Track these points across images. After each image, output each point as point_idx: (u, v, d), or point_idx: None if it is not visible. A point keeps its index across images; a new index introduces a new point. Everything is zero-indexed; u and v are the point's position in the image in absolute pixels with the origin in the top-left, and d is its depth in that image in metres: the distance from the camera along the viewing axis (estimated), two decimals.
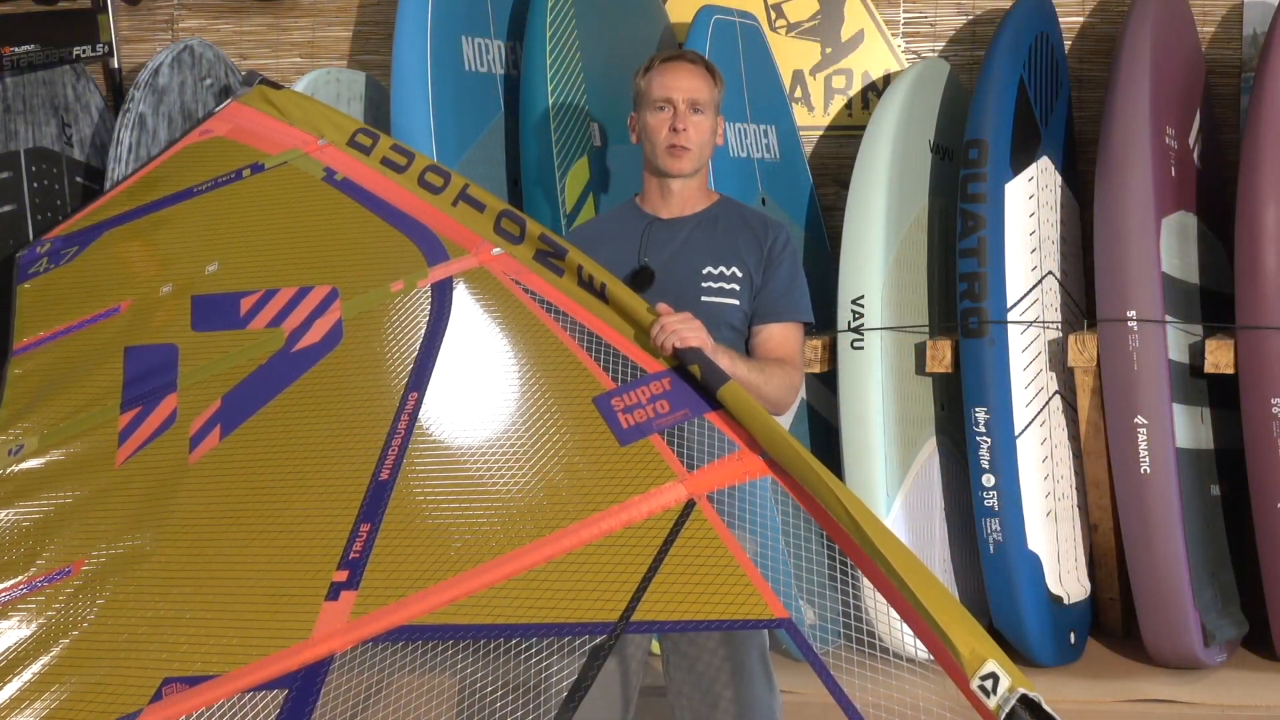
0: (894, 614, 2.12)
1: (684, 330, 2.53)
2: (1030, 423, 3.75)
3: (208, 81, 4.30)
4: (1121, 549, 3.78)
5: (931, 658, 2.05)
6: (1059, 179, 4.06)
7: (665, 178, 2.88)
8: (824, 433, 4.03)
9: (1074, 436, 3.92)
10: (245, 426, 2.69)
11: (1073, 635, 3.86)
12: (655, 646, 3.12)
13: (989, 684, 1.95)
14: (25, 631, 2.47)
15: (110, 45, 4.59)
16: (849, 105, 4.57)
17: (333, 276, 2.91)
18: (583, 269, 2.69)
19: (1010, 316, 3.75)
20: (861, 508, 2.19)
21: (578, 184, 3.78)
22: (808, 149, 4.50)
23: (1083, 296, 4.13)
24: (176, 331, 2.92)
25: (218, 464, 2.65)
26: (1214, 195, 4.13)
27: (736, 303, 2.81)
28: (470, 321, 2.75)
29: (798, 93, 4.56)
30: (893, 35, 4.54)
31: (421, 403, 2.61)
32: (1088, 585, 3.93)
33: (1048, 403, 3.83)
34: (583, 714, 2.18)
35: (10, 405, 2.90)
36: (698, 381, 2.49)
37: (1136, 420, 3.60)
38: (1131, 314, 3.61)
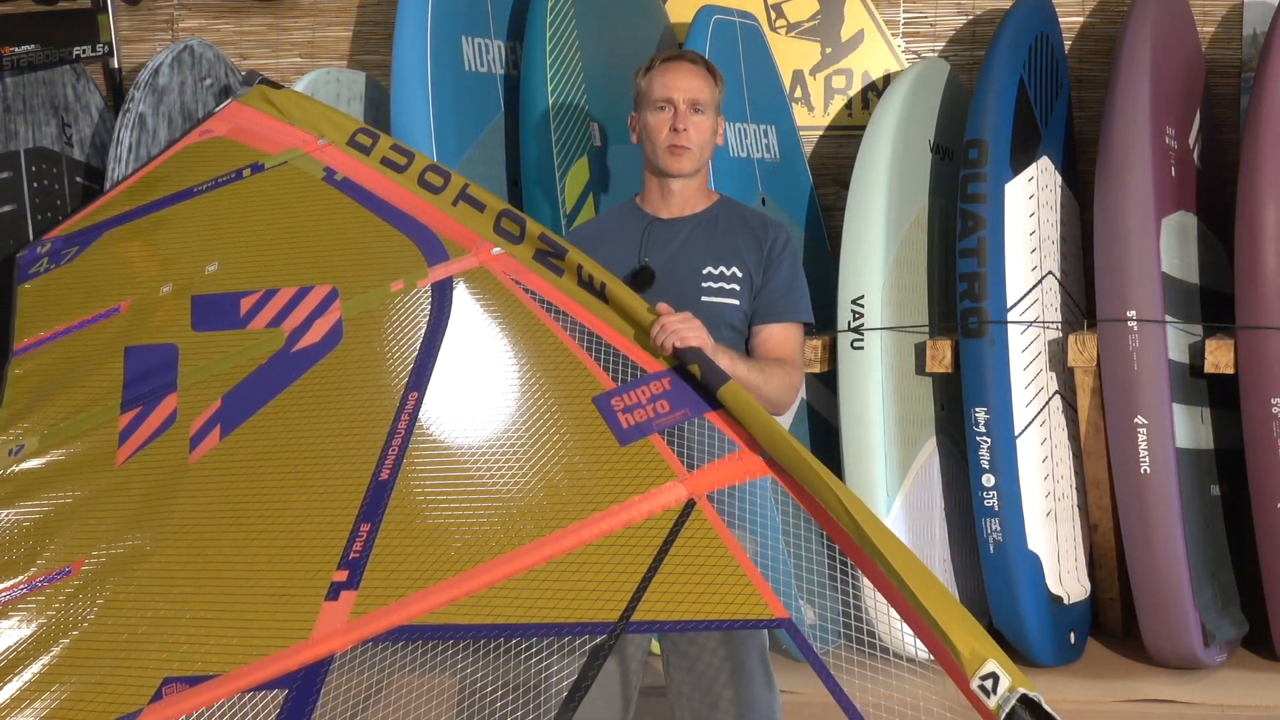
0: (894, 614, 2.12)
1: (684, 330, 2.53)
2: (1030, 423, 3.75)
3: (208, 81, 4.30)
4: (1121, 549, 3.78)
5: (931, 658, 2.05)
6: (1059, 179, 4.06)
7: (665, 177, 2.88)
8: (824, 433, 4.03)
9: (1074, 436, 3.92)
10: (245, 426, 2.69)
11: (1073, 635, 3.86)
12: (655, 646, 3.12)
13: (989, 684, 1.95)
14: (25, 631, 2.47)
15: (110, 45, 4.59)
16: (849, 105, 4.57)
17: (333, 276, 2.91)
18: (583, 269, 2.69)
19: (1010, 316, 3.75)
20: (861, 508, 2.19)
21: (578, 184, 3.78)
22: (808, 149, 4.50)
23: (1083, 296, 4.13)
24: (177, 331, 2.92)
25: (218, 464, 2.65)
26: (1214, 195, 4.13)
27: (736, 303, 2.81)
28: (470, 321, 2.75)
29: (798, 93, 4.56)
30: (893, 35, 4.54)
31: (422, 402, 2.61)
32: (1088, 585, 3.93)
33: (1048, 403, 3.83)
34: (583, 714, 2.18)
35: (10, 405, 2.90)
36: (698, 381, 2.49)
37: (1136, 420, 3.60)
38: (1131, 314, 3.61)
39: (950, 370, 3.85)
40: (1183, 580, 3.61)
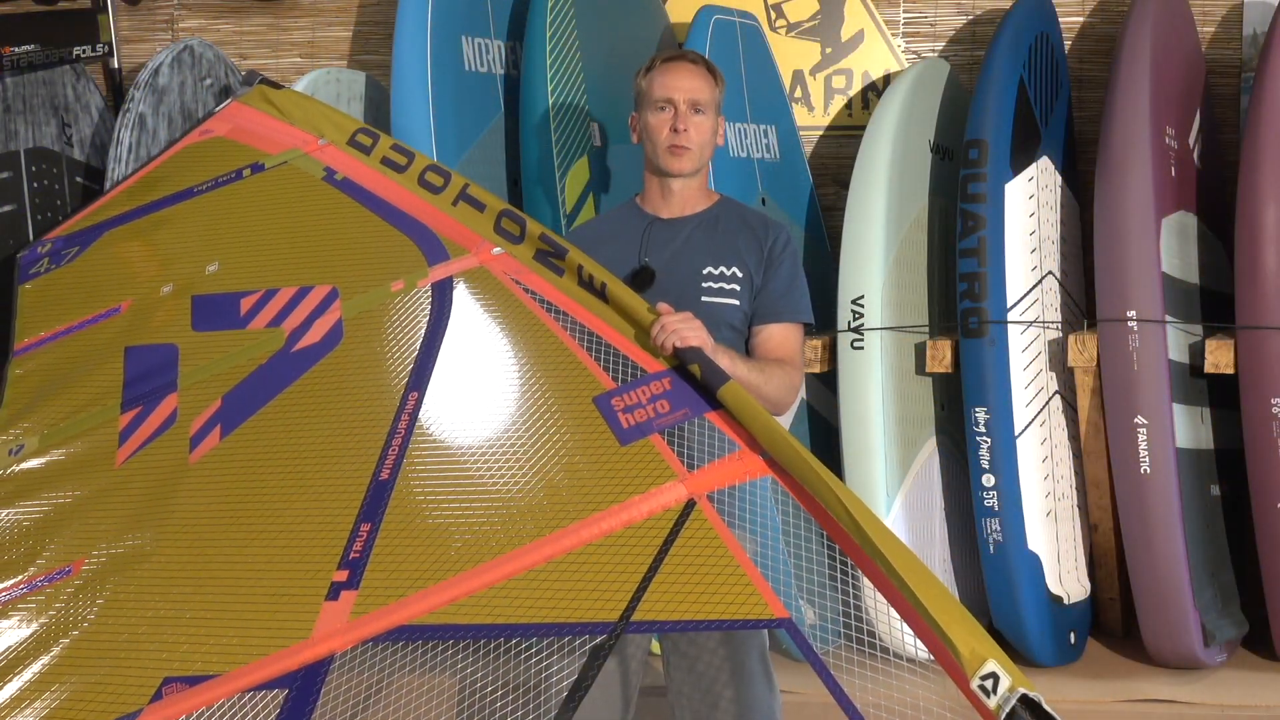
0: (894, 614, 2.12)
1: (684, 330, 2.53)
2: (1030, 423, 3.75)
3: (208, 81, 4.30)
4: (1121, 549, 3.78)
5: (931, 658, 2.05)
6: (1059, 179, 4.06)
7: (666, 177, 2.89)
8: (824, 433, 4.03)
9: (1074, 436, 3.92)
10: (245, 426, 2.69)
11: (1073, 635, 3.86)
12: (655, 646, 3.12)
13: (989, 684, 1.95)
14: (25, 631, 2.47)
15: (110, 45, 4.59)
16: (849, 105, 4.57)
17: (333, 276, 2.91)
18: (583, 269, 2.69)
19: (1010, 316, 3.75)
20: (861, 508, 2.19)
21: (578, 184, 3.78)
22: (808, 149, 4.50)
23: (1083, 296, 4.13)
24: (177, 331, 2.93)
25: (218, 464, 2.65)
26: (1214, 195, 4.13)
27: (737, 303, 2.81)
28: (470, 321, 2.75)
29: (798, 93, 4.56)
30: (893, 35, 4.54)
31: (422, 402, 2.61)
32: (1088, 585, 3.93)
33: (1048, 403, 3.83)
34: (583, 714, 2.18)
35: (11, 405, 2.90)
36: (698, 381, 2.49)
37: (1136, 420, 3.60)
38: (1131, 314, 3.61)
39: (950, 370, 3.85)
40: (1183, 580, 3.61)
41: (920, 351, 3.88)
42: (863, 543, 2.16)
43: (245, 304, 2.92)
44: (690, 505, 2.33)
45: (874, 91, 4.53)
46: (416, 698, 2.45)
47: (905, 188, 3.94)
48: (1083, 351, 3.72)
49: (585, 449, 2.47)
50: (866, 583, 2.19)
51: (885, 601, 2.14)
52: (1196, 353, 3.72)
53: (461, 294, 2.79)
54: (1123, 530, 3.70)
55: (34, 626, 2.47)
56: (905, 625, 2.11)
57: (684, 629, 2.54)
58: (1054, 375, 3.87)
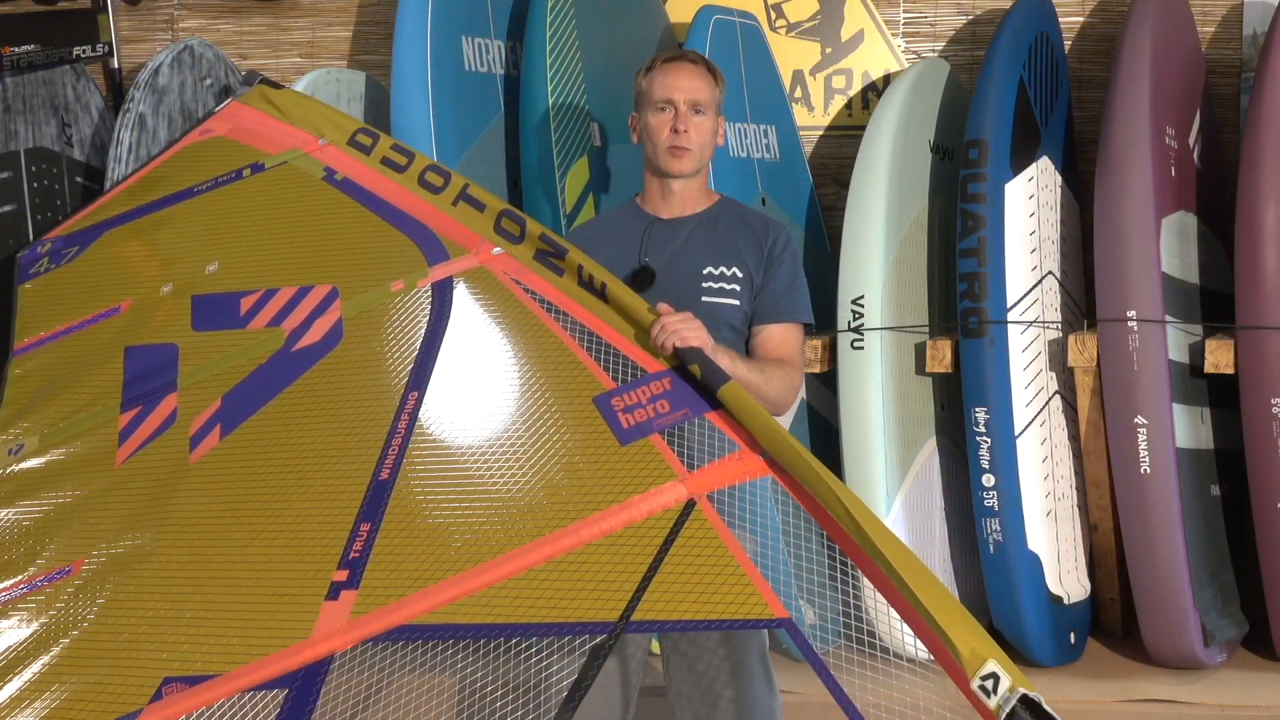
0: (894, 614, 2.12)
1: (684, 330, 2.53)
2: (1030, 423, 3.75)
3: (208, 81, 4.30)
4: (1121, 549, 3.78)
5: (931, 658, 2.05)
6: (1059, 179, 4.06)
7: (666, 178, 2.89)
8: (824, 433, 4.03)
9: (1074, 436, 3.92)
10: (245, 426, 2.69)
11: (1073, 635, 3.86)
12: (655, 646, 3.12)
13: (989, 684, 1.95)
14: (25, 631, 2.47)
15: (110, 45, 4.59)
16: (849, 105, 4.57)
17: (333, 276, 2.91)
18: (583, 269, 2.69)
19: (1010, 316, 3.75)
20: (861, 508, 2.19)
21: (578, 184, 3.78)
22: (808, 149, 4.50)
23: (1083, 296, 4.13)
24: (177, 331, 2.93)
25: (218, 463, 2.65)
26: (1214, 195, 4.13)
27: (737, 303, 2.81)
28: (470, 321, 2.75)
29: (798, 93, 4.56)
30: (893, 35, 4.54)
31: (422, 402, 2.61)
32: (1088, 585, 3.93)
33: (1048, 403, 3.83)
34: (583, 714, 2.18)
35: (10, 405, 2.90)
36: (698, 381, 2.49)
37: (1136, 420, 3.60)
38: (1131, 314, 3.61)
39: (950, 370, 3.85)
40: (1183, 580, 3.61)
41: (920, 351, 3.88)
42: (863, 543, 2.16)
43: (245, 304, 2.92)
44: (690, 505, 2.33)
45: (874, 91, 4.53)
46: (416, 698, 2.45)
47: (905, 188, 3.94)
48: (1083, 351, 3.72)
49: (585, 449, 2.47)
50: (866, 583, 2.19)
51: (885, 601, 2.14)
52: (1196, 353, 3.72)
53: (461, 294, 2.79)
54: (1123, 530, 3.70)
55: (34, 626, 2.47)
56: (905, 625, 2.11)
57: (684, 629, 2.54)
58: (1054, 375, 3.87)
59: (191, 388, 2.80)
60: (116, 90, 4.60)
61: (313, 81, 4.03)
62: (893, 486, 3.75)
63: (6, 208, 4.13)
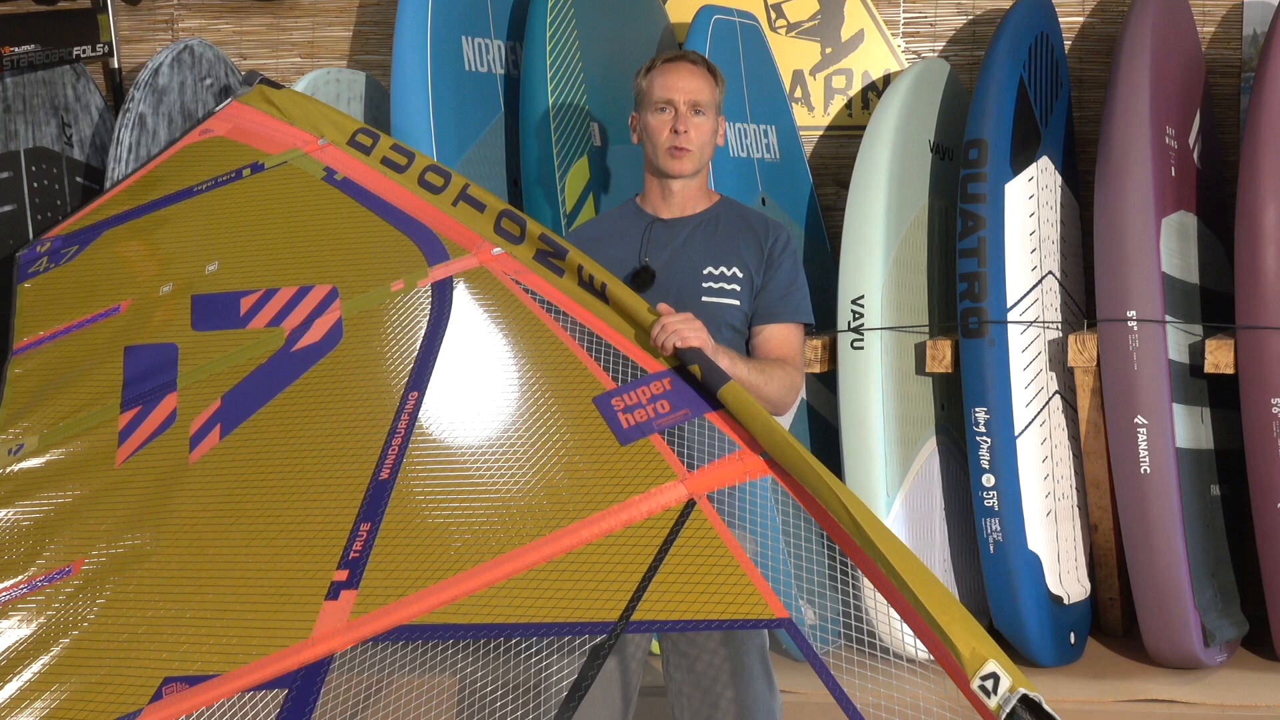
0: (894, 614, 2.12)
1: (685, 330, 2.53)
2: (1030, 423, 3.75)
3: (208, 81, 4.30)
4: (1121, 549, 3.78)
5: (931, 658, 2.05)
6: (1059, 179, 4.06)
7: (666, 178, 2.89)
8: (824, 433, 4.03)
9: (1074, 436, 3.92)
10: (245, 426, 2.69)
11: (1073, 635, 3.86)
12: (655, 646, 3.12)
13: (989, 684, 1.95)
14: (25, 631, 2.47)
15: (110, 45, 4.59)
16: (849, 105, 4.57)
17: (333, 276, 2.91)
18: (583, 269, 2.69)
19: (1010, 316, 3.75)
20: (861, 508, 2.19)
21: (578, 184, 3.78)
22: (808, 149, 4.50)
23: (1083, 296, 4.13)
24: (176, 331, 2.92)
25: (218, 463, 2.65)
26: (1214, 195, 4.13)
27: (737, 303, 2.81)
28: (470, 321, 2.75)
29: (798, 93, 4.56)
30: (893, 35, 4.54)
31: (421, 402, 2.61)
32: (1088, 585, 3.93)
33: (1048, 403, 3.83)
34: (583, 714, 2.18)
35: (10, 405, 2.90)
36: (698, 381, 2.49)
37: (1136, 420, 3.60)
38: (1131, 314, 3.61)
39: (950, 370, 3.85)
40: (1183, 580, 3.61)
41: (920, 351, 3.88)
42: (863, 543, 2.16)
43: (245, 303, 2.92)
44: (690, 505, 2.33)
45: (874, 91, 4.53)
46: (416, 698, 2.45)
47: (905, 188, 3.94)
48: (1083, 351, 3.72)
49: (585, 449, 2.47)
50: (866, 583, 2.19)
51: (885, 601, 2.14)
52: (1196, 353, 3.72)
53: (461, 294, 2.79)
54: (1123, 530, 3.70)
55: (34, 626, 2.47)
56: (905, 625, 2.11)
57: (684, 629, 2.54)
58: (1054, 375, 3.87)
59: (191, 387, 2.80)
60: (116, 90, 4.60)
61: (313, 81, 4.03)
62: (893, 486, 3.75)
63: (6, 208, 4.13)
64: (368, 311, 2.83)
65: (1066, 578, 3.82)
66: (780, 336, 2.82)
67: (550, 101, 3.74)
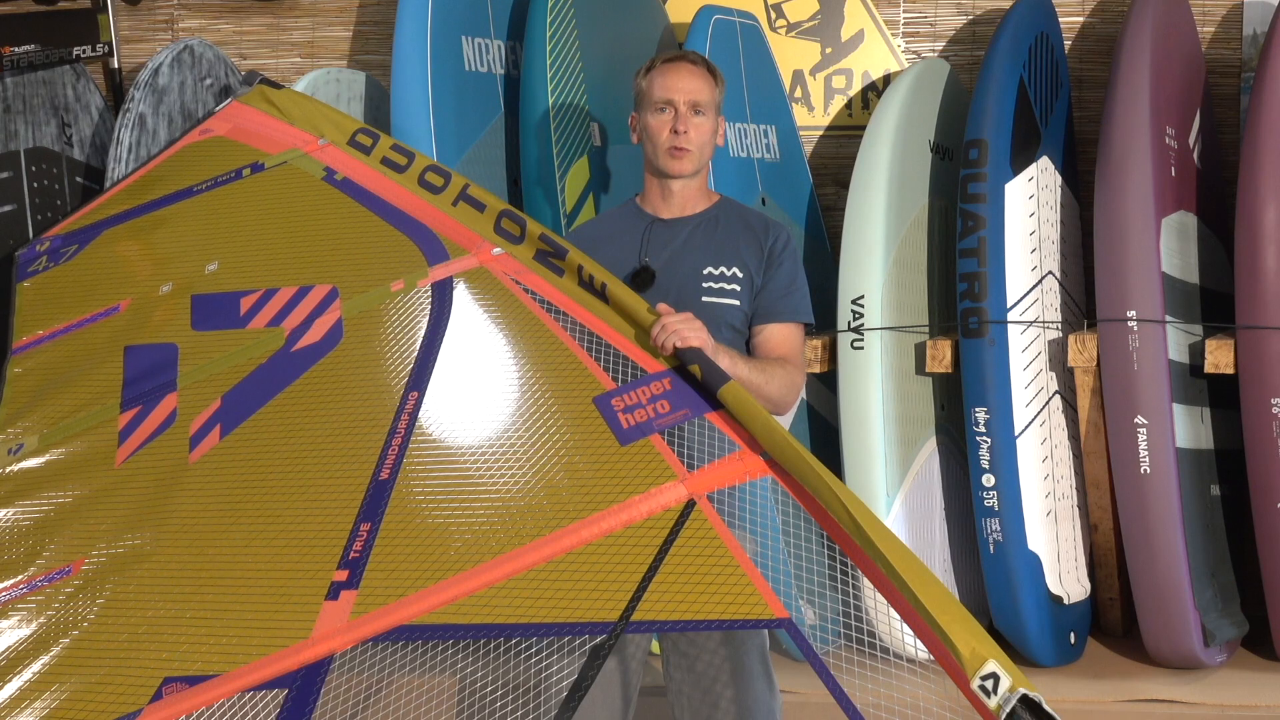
0: (894, 614, 2.12)
1: (685, 330, 2.53)
2: (1030, 423, 3.75)
3: (208, 81, 4.30)
4: (1121, 549, 3.78)
5: (932, 658, 2.05)
6: (1059, 179, 4.06)
7: (666, 178, 2.88)
8: (824, 433, 4.03)
9: (1074, 436, 3.92)
10: (245, 426, 2.69)
11: (1073, 635, 3.86)
12: (655, 646, 3.12)
13: (989, 684, 1.95)
14: (25, 631, 2.47)
15: (110, 45, 4.58)
16: (849, 105, 4.57)
17: (333, 276, 2.91)
18: (583, 269, 2.69)
19: (1010, 316, 3.75)
20: (861, 508, 2.19)
21: (578, 184, 3.78)
22: (808, 149, 4.50)
23: (1083, 296, 4.13)
24: (176, 330, 2.92)
25: (218, 463, 2.65)
26: (1214, 195, 4.13)
27: (737, 303, 2.81)
28: (471, 321, 2.75)
29: (798, 93, 4.56)
30: (893, 35, 4.54)
31: (421, 402, 2.61)
32: (1088, 585, 3.93)
33: (1048, 403, 3.83)
34: (583, 714, 2.18)
35: (10, 404, 2.90)
36: (698, 381, 2.49)
37: (1136, 420, 3.60)
38: (1131, 314, 3.61)
39: (950, 370, 3.85)
40: (1183, 580, 3.61)
41: (920, 351, 3.88)
42: (863, 543, 2.16)
43: (245, 303, 2.92)
44: (690, 505, 2.33)
45: (874, 91, 4.53)
46: (416, 698, 2.45)
47: (905, 188, 3.94)
48: (1083, 351, 3.72)
49: (585, 449, 2.47)
50: (866, 583, 2.19)
51: (885, 601, 2.14)
52: (1196, 353, 3.72)
53: (461, 294, 2.79)
54: (1123, 530, 3.70)
55: (34, 626, 2.47)
56: (905, 625, 2.10)
57: (684, 629, 2.54)
58: (1054, 375, 3.87)
59: (191, 387, 2.80)
60: (116, 90, 4.60)
61: (313, 81, 4.03)
62: (893, 486, 3.75)
63: (6, 208, 4.13)
64: (368, 311, 2.83)
65: (1066, 578, 3.82)
66: (781, 336, 2.82)
67: (550, 101, 3.74)
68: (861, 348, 3.77)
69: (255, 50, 4.74)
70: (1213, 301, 3.94)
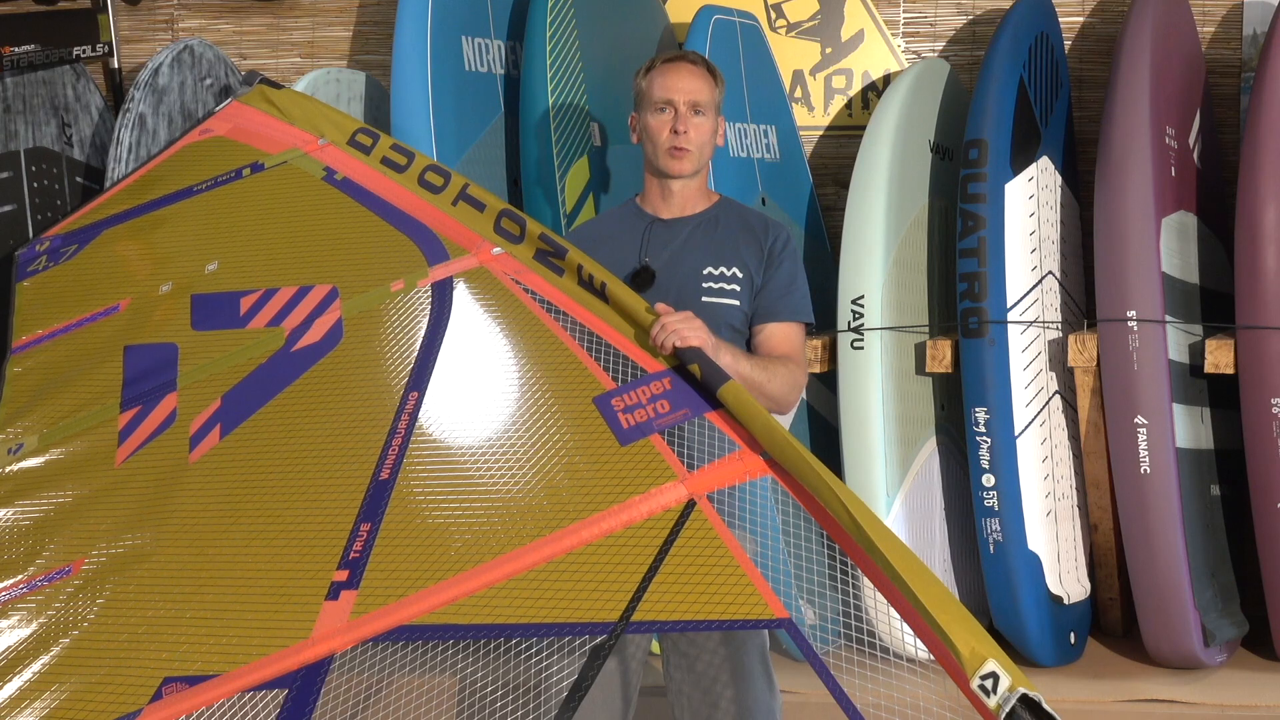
0: (894, 614, 2.12)
1: (684, 329, 2.53)
2: (1030, 423, 3.75)
3: (208, 81, 4.30)
4: (1121, 549, 3.78)
5: (932, 657, 2.05)
6: (1059, 179, 4.06)
7: (666, 178, 2.88)
8: (824, 433, 4.03)
9: (1074, 436, 3.92)
10: (245, 426, 2.69)
11: (1073, 635, 3.86)
12: (655, 646, 3.12)
13: (989, 683, 1.95)
14: (25, 631, 2.47)
15: (110, 45, 4.58)
16: (849, 105, 4.57)
17: (333, 276, 2.91)
18: (583, 268, 2.69)
19: (1010, 316, 3.75)
20: (861, 507, 2.19)
21: (578, 184, 3.78)
22: (808, 149, 4.50)
23: (1083, 296, 4.13)
24: (176, 330, 2.92)
25: (218, 463, 2.65)
26: (1214, 195, 4.13)
27: (737, 303, 2.81)
28: (471, 321, 2.75)
29: (798, 93, 4.56)
30: (893, 35, 4.54)
31: (422, 402, 2.61)
32: (1088, 585, 3.93)
33: (1048, 403, 3.83)
34: (583, 714, 2.18)
35: (9, 403, 2.90)
36: (698, 381, 2.49)
37: (1136, 420, 3.60)
38: (1131, 314, 3.61)
39: (950, 370, 3.85)
40: (1183, 580, 3.61)
41: (920, 351, 3.88)
42: (863, 543, 2.16)
43: (245, 303, 2.92)
44: (690, 505, 2.33)
45: (874, 91, 4.53)
46: (416, 698, 2.45)
47: (905, 188, 3.94)
48: (1083, 351, 3.72)
49: (585, 449, 2.47)
50: (866, 583, 2.19)
51: (885, 601, 2.14)
52: (1196, 353, 3.72)
53: (461, 294, 2.79)
54: (1123, 530, 3.70)
55: (34, 626, 2.47)
56: (905, 625, 2.10)
57: (684, 629, 2.54)
58: (1054, 375, 3.87)
59: (191, 387, 2.80)
60: (116, 90, 4.60)
61: (313, 81, 4.03)
62: (893, 486, 3.75)
63: (6, 208, 4.13)
64: (368, 311, 2.83)
65: (1066, 578, 3.82)
66: (782, 334, 2.82)
67: (550, 101, 3.74)
68: (861, 348, 3.77)
69: (255, 50, 4.74)
70: (1213, 301, 3.94)
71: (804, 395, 3.97)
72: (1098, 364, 3.70)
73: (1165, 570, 3.61)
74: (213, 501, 2.60)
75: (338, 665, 2.25)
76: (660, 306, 2.59)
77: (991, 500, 3.71)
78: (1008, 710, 1.92)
